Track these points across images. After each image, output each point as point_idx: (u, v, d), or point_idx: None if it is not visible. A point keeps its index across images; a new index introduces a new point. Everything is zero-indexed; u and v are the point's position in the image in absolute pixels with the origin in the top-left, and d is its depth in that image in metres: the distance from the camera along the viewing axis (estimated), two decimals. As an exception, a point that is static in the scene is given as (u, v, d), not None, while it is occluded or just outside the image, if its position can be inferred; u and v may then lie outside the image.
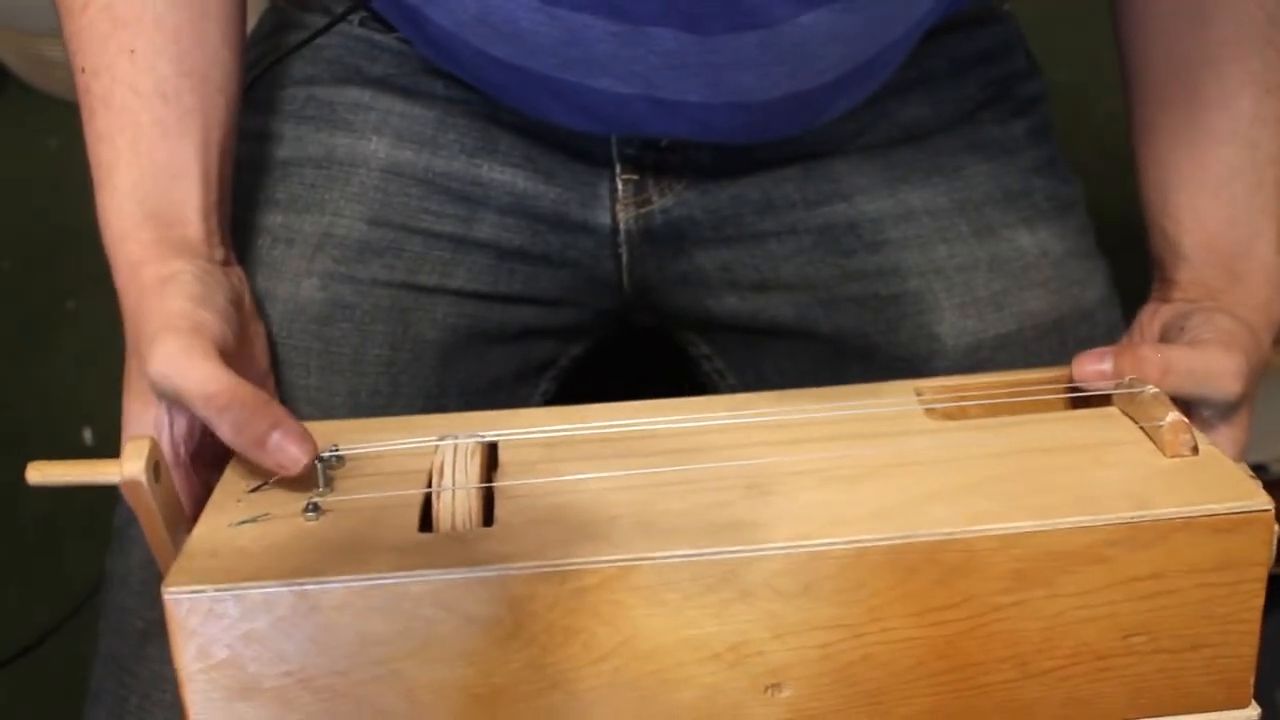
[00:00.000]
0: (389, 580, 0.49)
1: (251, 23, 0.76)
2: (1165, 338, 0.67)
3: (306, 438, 0.55)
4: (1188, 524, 0.52)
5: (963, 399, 0.62)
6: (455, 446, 0.56)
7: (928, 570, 0.51)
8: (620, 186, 0.74)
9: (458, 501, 0.53)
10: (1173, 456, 0.56)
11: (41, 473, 0.53)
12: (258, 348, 0.65)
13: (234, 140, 0.66)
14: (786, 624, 0.51)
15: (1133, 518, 0.52)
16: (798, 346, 0.76)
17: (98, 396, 1.36)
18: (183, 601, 0.49)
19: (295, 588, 0.49)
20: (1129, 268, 0.78)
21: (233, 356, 0.59)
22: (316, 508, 0.53)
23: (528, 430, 0.58)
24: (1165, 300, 0.70)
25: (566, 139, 0.73)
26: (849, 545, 0.51)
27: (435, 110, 0.73)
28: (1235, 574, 0.53)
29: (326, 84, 0.74)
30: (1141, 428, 0.58)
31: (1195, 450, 0.56)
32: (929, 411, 0.61)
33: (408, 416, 0.62)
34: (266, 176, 0.72)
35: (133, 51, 0.63)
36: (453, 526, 0.53)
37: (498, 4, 0.63)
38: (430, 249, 0.72)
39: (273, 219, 0.70)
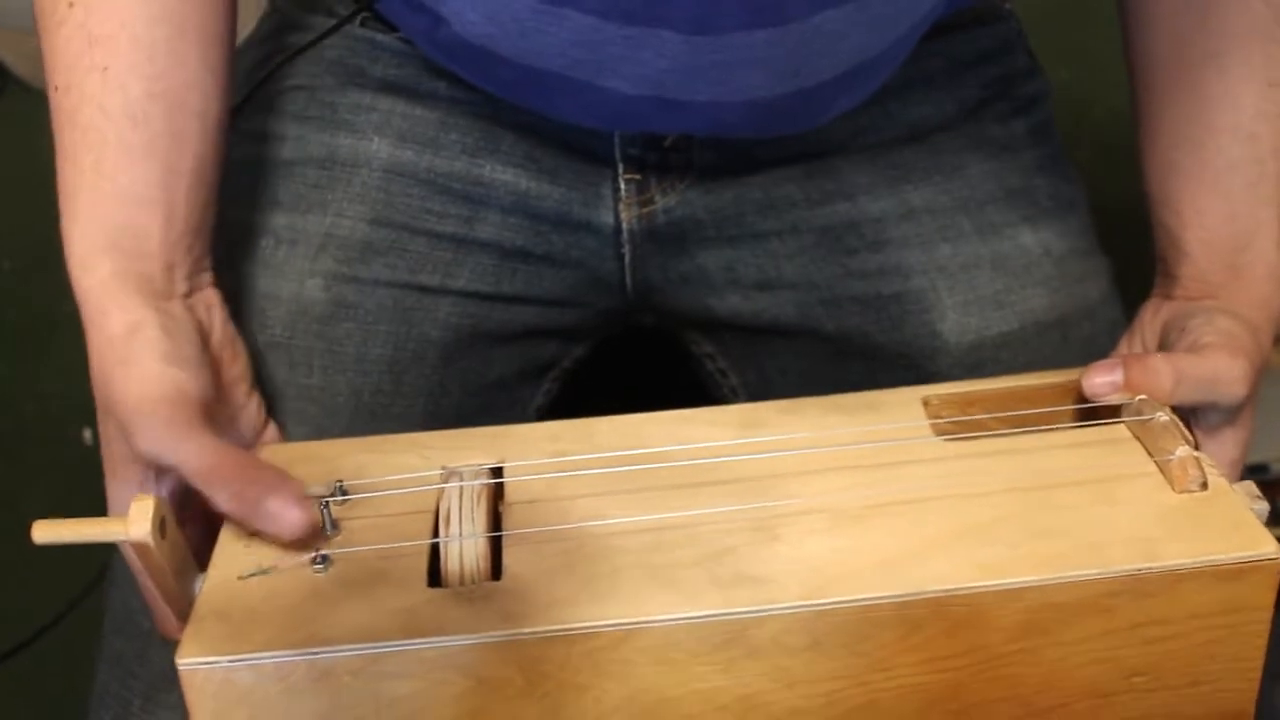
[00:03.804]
0: (402, 647, 0.49)
1: (249, 26, 0.75)
2: (1165, 337, 0.67)
3: (303, 501, 0.53)
4: (1193, 574, 0.52)
5: (969, 410, 0.62)
6: (461, 490, 0.55)
7: (933, 623, 0.51)
8: (623, 186, 0.74)
9: (466, 553, 0.53)
10: (1181, 492, 0.55)
11: (46, 532, 0.52)
12: (235, 373, 0.62)
13: (214, 167, 0.63)
14: (794, 676, 0.52)
15: (1138, 570, 0.52)
16: (800, 345, 0.77)
17: (98, 397, 1.37)
18: (198, 671, 0.49)
19: (308, 656, 0.49)
20: (1130, 266, 0.78)
21: (213, 405, 0.58)
22: (325, 559, 0.53)
23: (532, 460, 0.58)
24: (1167, 297, 0.70)
25: (569, 139, 0.73)
26: (855, 603, 0.51)
27: (437, 111, 0.73)
28: (1240, 617, 0.53)
29: (328, 85, 0.73)
30: (1152, 458, 0.57)
31: (1204, 485, 0.55)
32: (936, 428, 0.60)
33: (411, 435, 0.61)
34: (269, 177, 0.71)
35: (105, 69, 0.60)
36: (461, 580, 0.52)
37: (505, 2, 0.63)
38: (433, 249, 0.72)
39: (276, 220, 0.70)
